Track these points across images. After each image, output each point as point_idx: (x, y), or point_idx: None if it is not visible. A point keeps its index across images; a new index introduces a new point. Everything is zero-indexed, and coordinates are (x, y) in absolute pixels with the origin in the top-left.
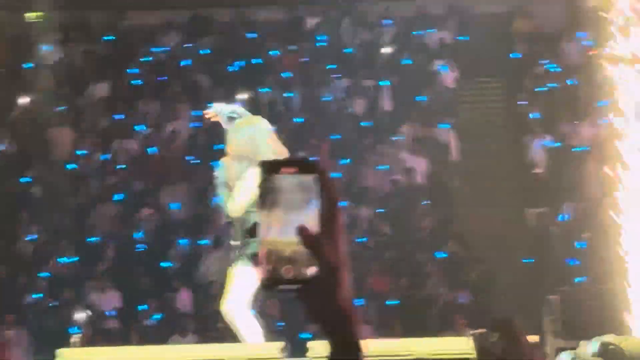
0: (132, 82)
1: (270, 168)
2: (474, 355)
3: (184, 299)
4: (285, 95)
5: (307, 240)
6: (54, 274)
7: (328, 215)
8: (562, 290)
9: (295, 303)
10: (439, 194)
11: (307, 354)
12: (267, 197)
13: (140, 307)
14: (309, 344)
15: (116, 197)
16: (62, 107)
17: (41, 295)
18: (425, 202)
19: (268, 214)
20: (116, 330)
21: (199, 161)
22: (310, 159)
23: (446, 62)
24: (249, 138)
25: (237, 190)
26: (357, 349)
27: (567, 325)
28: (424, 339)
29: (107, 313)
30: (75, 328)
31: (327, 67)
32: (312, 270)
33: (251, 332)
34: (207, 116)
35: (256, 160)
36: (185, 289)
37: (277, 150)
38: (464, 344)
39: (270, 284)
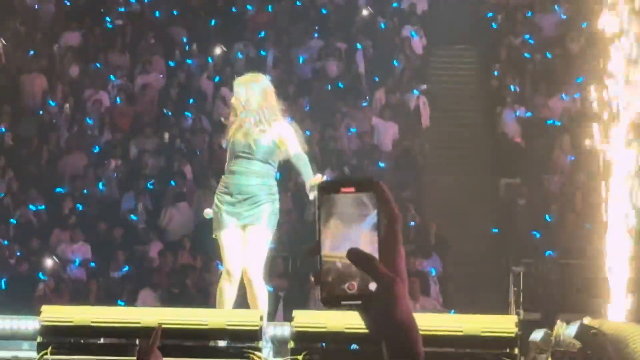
0: (105, 32)
1: (329, 188)
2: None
3: (152, 253)
4: (258, 52)
5: (360, 263)
6: (22, 221)
7: (388, 232)
8: (526, 263)
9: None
10: (408, 160)
11: (292, 323)
12: (325, 214)
13: (108, 259)
14: (294, 313)
15: (86, 147)
16: (34, 54)
17: (7, 243)
18: (391, 166)
19: (326, 229)
20: (83, 281)
21: (170, 114)
22: (368, 177)
23: (416, 29)
24: (264, 93)
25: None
26: None
27: (530, 298)
28: (471, 315)
29: (74, 264)
30: (42, 276)
31: (301, 27)
32: (372, 286)
33: (265, 297)
34: None
35: (271, 115)
36: (154, 242)
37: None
38: (511, 322)
39: (332, 300)
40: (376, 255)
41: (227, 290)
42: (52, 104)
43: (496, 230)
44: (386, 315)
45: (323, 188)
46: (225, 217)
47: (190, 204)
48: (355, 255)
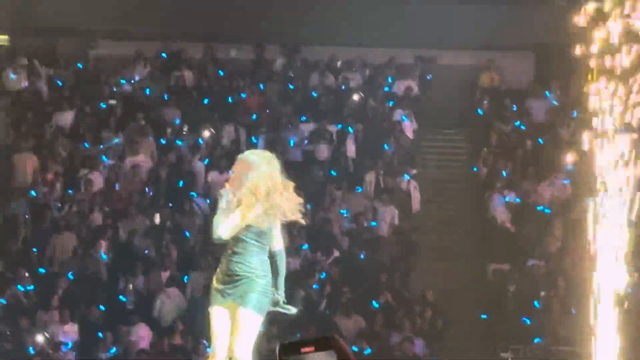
0: (97, 112)
1: (289, 350)
2: None
3: (140, 334)
4: (249, 134)
5: None
6: (10, 301)
7: None
8: (514, 349)
9: None
10: (399, 244)
11: None
12: None
13: (96, 340)
14: None
15: (75, 227)
16: (25, 133)
17: None
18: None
19: None
20: None
21: (159, 196)
22: (325, 336)
23: (407, 113)
24: (266, 175)
25: (233, 215)
26: None
27: None
28: None
29: (66, 346)
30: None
31: (293, 110)
32: None
33: None
34: None
35: (265, 198)
36: (143, 323)
37: (286, 187)
38: None
39: None
40: None
41: None
42: (44, 182)
43: (485, 317)
44: None
45: (283, 351)
46: (215, 294)
47: (180, 287)
48: None
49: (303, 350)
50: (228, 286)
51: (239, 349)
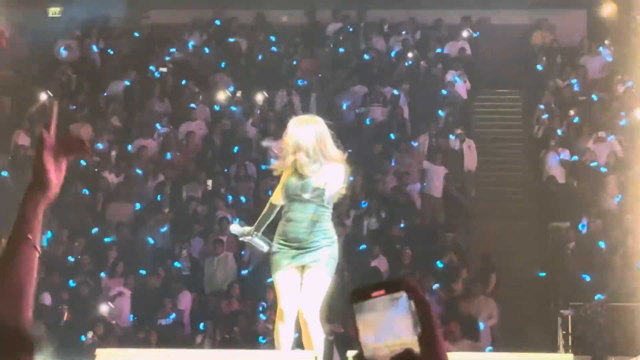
0: (150, 80)
1: (360, 296)
2: None
3: (184, 301)
4: (302, 99)
5: None
6: (67, 271)
7: (424, 322)
8: (575, 306)
9: None
10: (455, 205)
11: None
12: (361, 319)
13: (154, 307)
14: (348, 353)
15: (131, 195)
16: (80, 103)
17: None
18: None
19: (365, 333)
20: (131, 329)
21: (214, 162)
22: (395, 279)
23: (459, 74)
24: (320, 134)
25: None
26: None
27: (579, 341)
28: (528, 354)
29: (130, 317)
30: (90, 325)
31: (345, 74)
32: None
33: (320, 340)
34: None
35: (325, 157)
36: (196, 290)
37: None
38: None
39: None
40: (417, 346)
41: (282, 329)
42: (100, 146)
43: (543, 274)
44: None
45: (354, 297)
46: (282, 259)
47: (234, 253)
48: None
49: (374, 294)
50: (301, 251)
51: (309, 309)
